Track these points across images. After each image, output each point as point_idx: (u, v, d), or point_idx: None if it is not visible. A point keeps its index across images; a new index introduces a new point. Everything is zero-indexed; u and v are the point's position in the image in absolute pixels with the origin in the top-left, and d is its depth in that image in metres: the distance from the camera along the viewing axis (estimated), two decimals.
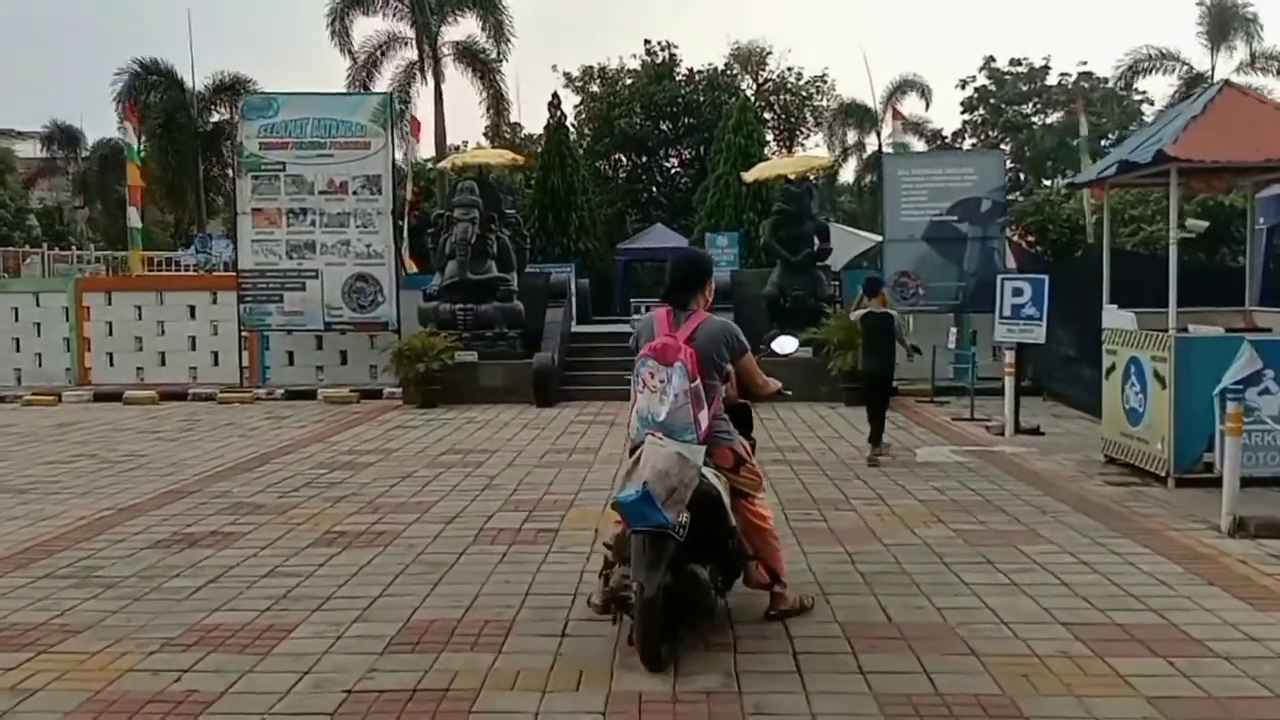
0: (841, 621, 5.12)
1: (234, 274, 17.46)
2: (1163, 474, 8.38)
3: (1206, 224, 8.72)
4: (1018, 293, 11.62)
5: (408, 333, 16.16)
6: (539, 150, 30.64)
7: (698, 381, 4.77)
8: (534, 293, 17.50)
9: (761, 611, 5.19)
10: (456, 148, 33.78)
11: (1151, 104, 38.86)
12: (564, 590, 5.71)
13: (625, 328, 24.14)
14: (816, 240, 16.52)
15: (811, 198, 16.55)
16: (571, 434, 12.33)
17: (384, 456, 10.52)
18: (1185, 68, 29.53)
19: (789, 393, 5.58)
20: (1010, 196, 16.07)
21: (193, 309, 17.78)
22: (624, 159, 38.66)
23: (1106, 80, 41.60)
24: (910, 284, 16.31)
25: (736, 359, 5.09)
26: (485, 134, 35.25)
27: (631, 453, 4.86)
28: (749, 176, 17.74)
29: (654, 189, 39.81)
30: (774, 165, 18.85)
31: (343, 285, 16.60)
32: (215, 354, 17.62)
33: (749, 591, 5.29)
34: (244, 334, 17.00)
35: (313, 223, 16.56)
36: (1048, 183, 39.94)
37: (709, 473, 4.80)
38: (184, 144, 34.20)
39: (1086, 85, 44.83)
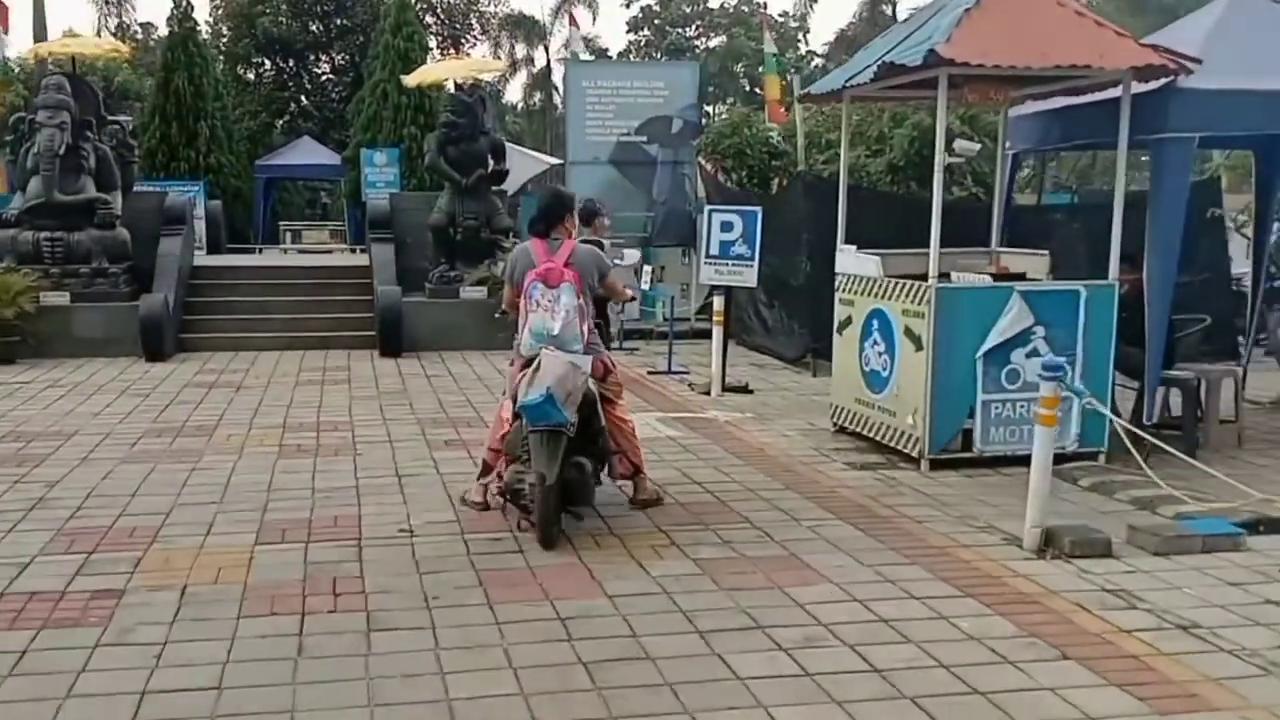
0: None
1: None
2: (915, 454, 7.00)
3: (979, 146, 7.29)
4: (727, 228, 9.98)
5: None
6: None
7: (581, 299, 5.48)
8: (145, 218, 14.07)
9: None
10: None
11: (809, 32, 39.38)
12: None
13: (267, 259, 21.07)
14: (491, 160, 14.26)
15: (485, 109, 14.20)
16: (184, 403, 9.52)
17: None
18: None
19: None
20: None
21: None
22: (268, 64, 34.15)
23: (765, 5, 42.06)
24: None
25: (604, 278, 5.77)
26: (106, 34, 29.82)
27: (525, 366, 5.40)
28: (410, 80, 15.04)
29: (303, 98, 35.66)
30: (439, 69, 16.26)
31: None
32: None
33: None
34: None
35: None
36: (708, 108, 39.71)
37: (592, 383, 5.49)
38: None
39: (747, 10, 45.21)
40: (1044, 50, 6.65)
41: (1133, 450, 6.02)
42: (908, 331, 7.07)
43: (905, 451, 7.09)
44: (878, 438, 7.45)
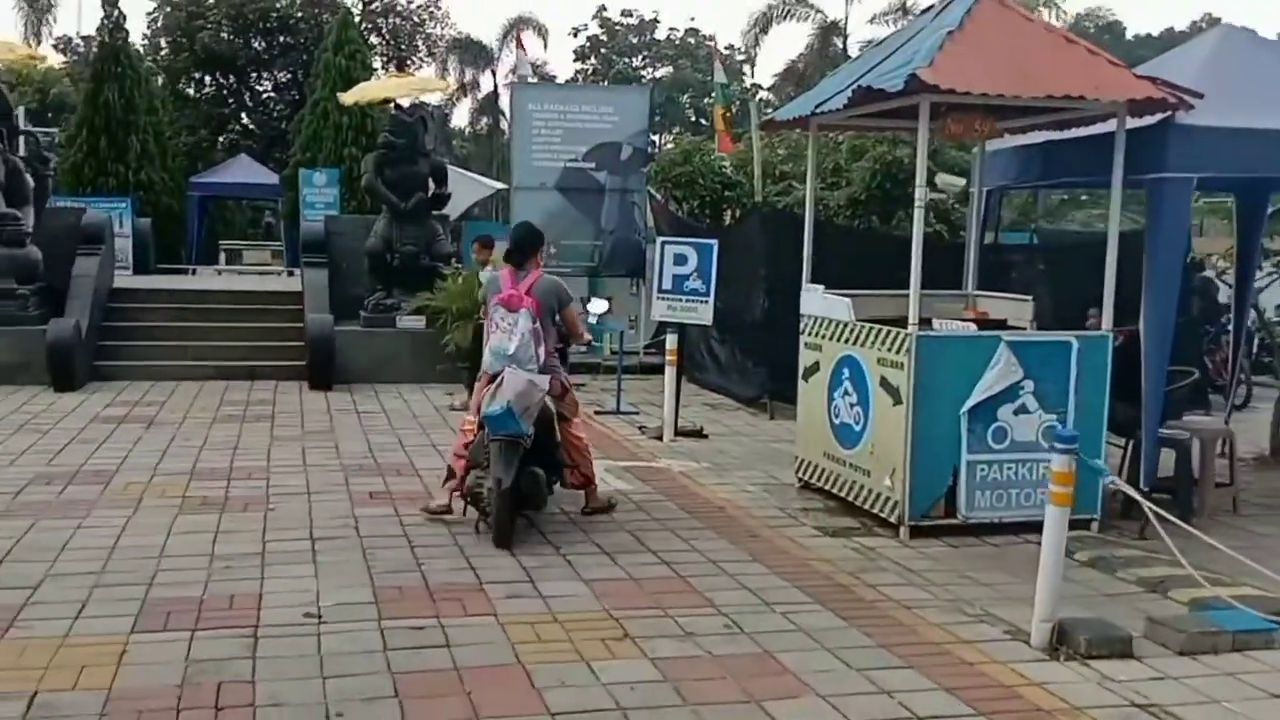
0: None
1: None
2: (893, 519, 6.33)
3: (963, 181, 6.66)
4: (681, 260, 9.30)
5: None
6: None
7: (538, 324, 6.09)
8: (61, 236, 13.14)
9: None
10: None
11: (753, 65, 39.19)
12: None
13: (197, 281, 20.02)
14: (432, 183, 13.49)
15: (427, 130, 13.44)
16: (86, 441, 8.64)
17: None
18: (819, 15, 29.02)
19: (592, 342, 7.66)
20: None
21: None
22: (209, 79, 33.04)
23: (711, 37, 41.89)
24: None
25: (563, 309, 6.29)
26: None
27: (490, 381, 6.01)
28: (347, 98, 14.22)
29: (245, 116, 34.54)
30: (381, 86, 15.43)
31: None
32: None
33: None
34: None
35: None
36: (654, 138, 39.33)
37: (550, 400, 6.10)
38: None
39: (693, 42, 45.01)
40: (1034, 79, 6.06)
41: (1157, 519, 5.39)
42: (884, 383, 6.41)
43: (882, 516, 6.42)
44: (849, 498, 6.78)
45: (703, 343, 12.14)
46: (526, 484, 5.92)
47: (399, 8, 34.80)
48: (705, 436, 9.36)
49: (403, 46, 34.15)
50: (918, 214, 6.26)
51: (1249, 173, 6.57)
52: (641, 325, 13.90)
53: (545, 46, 40.10)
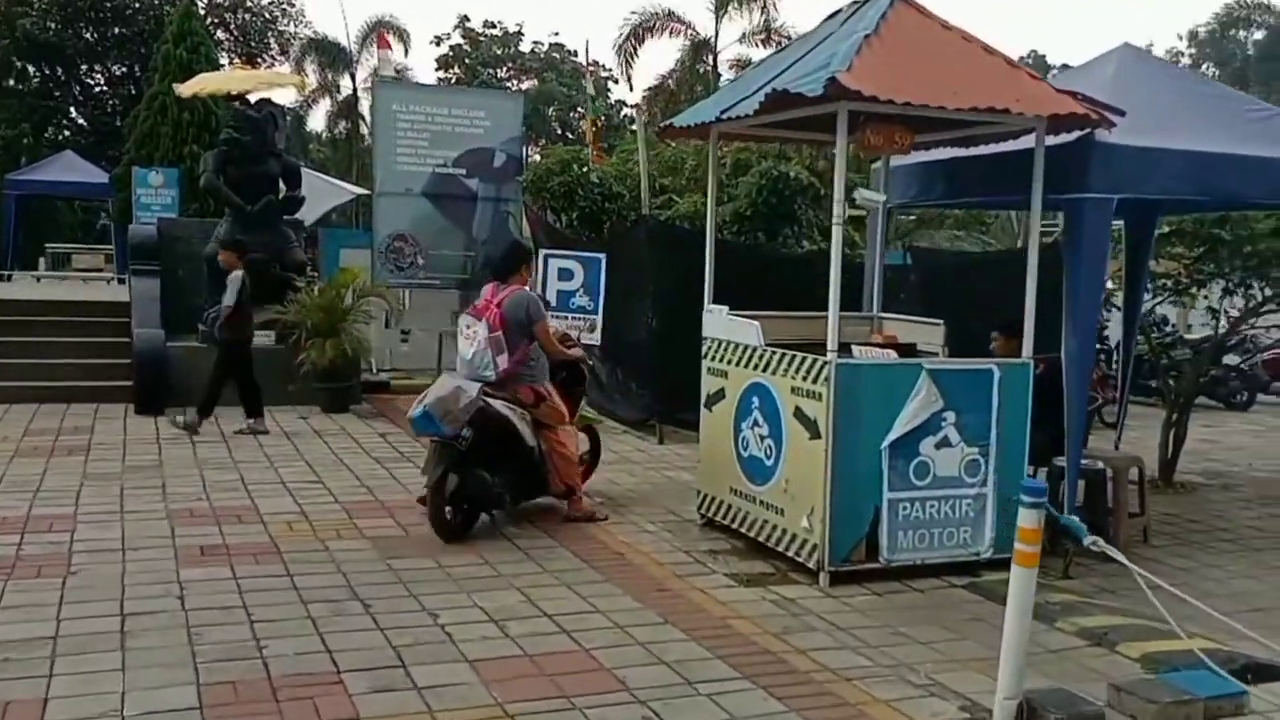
0: None
1: None
2: (811, 564, 5.72)
3: (883, 197, 6.11)
4: (566, 275, 8.58)
5: None
6: None
7: (498, 333, 6.37)
8: None
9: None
10: None
11: (617, 81, 38.80)
12: None
13: (10, 289, 18.13)
14: (284, 185, 12.36)
15: (278, 127, 12.31)
16: None
17: None
18: (691, 30, 28.55)
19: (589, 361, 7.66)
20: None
21: None
22: (32, 69, 30.53)
23: (576, 52, 41.29)
24: (407, 250, 12.74)
25: (532, 324, 6.52)
26: None
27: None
28: (186, 89, 12.81)
29: (74, 110, 32.10)
30: (225, 78, 14.10)
31: None
32: None
33: None
34: None
35: None
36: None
37: (499, 404, 6.31)
38: None
39: (558, 56, 44.34)
40: (958, 90, 5.56)
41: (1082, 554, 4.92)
42: (799, 414, 5.81)
43: (798, 560, 5.81)
44: (760, 538, 6.15)
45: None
46: (470, 485, 6.23)
47: (249, 3, 32.93)
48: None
49: (253, 43, 32.33)
50: (836, 231, 5.69)
51: (1168, 194, 6.26)
52: None
53: (406, 53, 38.47)
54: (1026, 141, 6.30)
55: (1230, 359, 13.11)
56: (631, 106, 38.84)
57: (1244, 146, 6.15)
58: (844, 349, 5.96)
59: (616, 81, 39.22)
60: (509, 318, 6.41)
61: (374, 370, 12.64)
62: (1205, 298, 9.24)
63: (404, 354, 13.40)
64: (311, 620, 4.82)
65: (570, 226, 13.14)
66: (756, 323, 6.31)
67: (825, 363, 5.60)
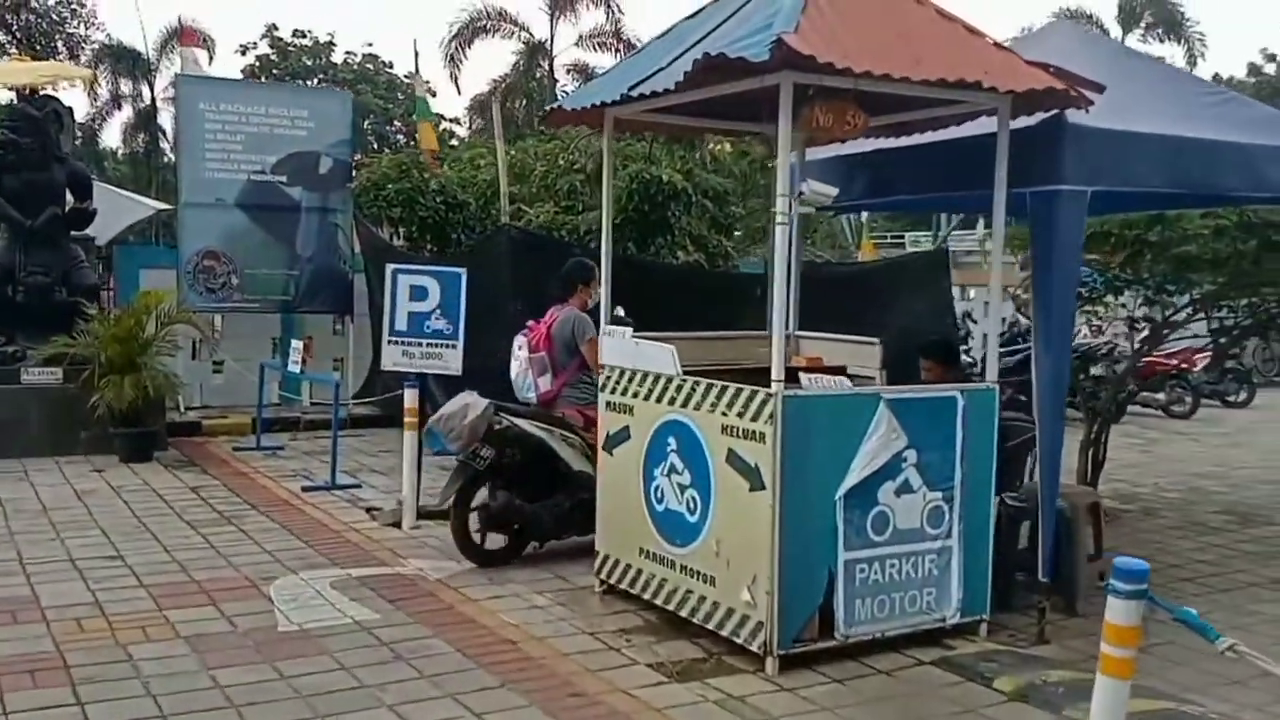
0: None
1: None
2: (755, 647, 4.60)
3: (835, 190, 5.07)
4: (420, 294, 7.22)
5: None
6: None
7: (541, 353, 6.45)
8: None
9: None
10: None
11: (435, 94, 37.39)
12: None
13: None
14: (72, 196, 10.56)
15: (64, 127, 10.49)
16: None
17: None
18: (525, 33, 27.32)
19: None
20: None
21: None
22: None
23: (391, 64, 39.62)
24: (220, 269, 11.09)
25: (580, 342, 6.40)
26: None
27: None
28: None
29: None
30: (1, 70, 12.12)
31: None
32: None
33: None
34: None
35: None
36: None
37: (528, 423, 6.11)
38: None
39: (372, 68, 42.54)
40: (916, 58, 4.61)
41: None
42: (733, 459, 4.70)
43: (735, 640, 4.69)
44: (683, 613, 5.00)
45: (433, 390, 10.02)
46: (496, 506, 6.03)
47: (34, 4, 29.85)
48: None
49: (38, 46, 29.26)
50: (779, 232, 4.63)
51: (1139, 186, 5.46)
52: (349, 370, 11.59)
53: (211, 61, 35.84)
54: (976, 128, 5.44)
55: (1096, 370, 12.79)
56: (451, 120, 37.49)
57: (1215, 131, 5.42)
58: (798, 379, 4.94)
59: (435, 94, 37.73)
60: (556, 337, 6.42)
61: (182, 410, 10.91)
62: (1123, 306, 8.65)
63: (217, 388, 11.71)
64: None
65: (411, 239, 11.73)
66: (671, 347, 5.18)
67: (769, 395, 4.51)
